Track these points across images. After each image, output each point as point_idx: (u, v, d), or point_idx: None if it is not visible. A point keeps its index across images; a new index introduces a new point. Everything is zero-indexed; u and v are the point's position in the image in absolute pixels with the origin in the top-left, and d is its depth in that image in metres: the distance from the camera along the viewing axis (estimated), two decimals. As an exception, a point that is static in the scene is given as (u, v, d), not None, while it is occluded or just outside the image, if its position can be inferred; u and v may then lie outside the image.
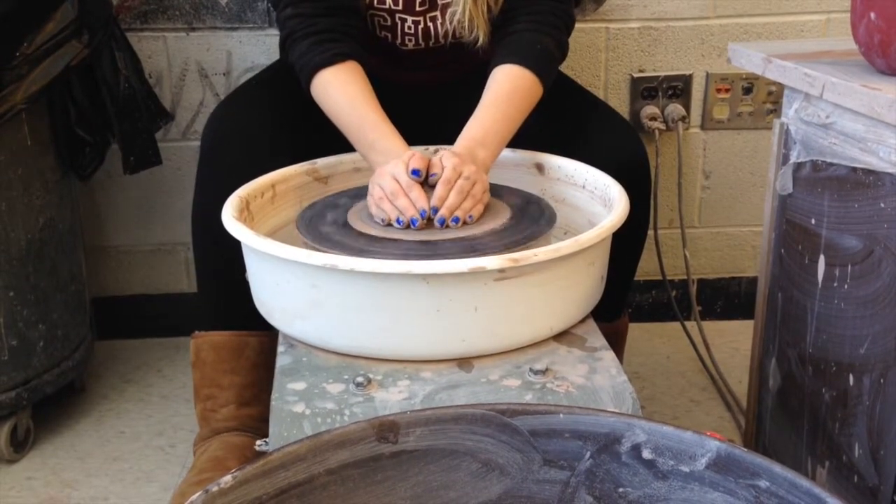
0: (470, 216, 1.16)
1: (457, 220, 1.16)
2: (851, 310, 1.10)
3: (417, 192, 1.16)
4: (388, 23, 1.40)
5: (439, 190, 1.16)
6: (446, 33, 1.41)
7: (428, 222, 1.16)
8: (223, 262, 1.31)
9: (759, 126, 1.91)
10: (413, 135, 1.30)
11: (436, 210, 1.16)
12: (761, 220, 1.31)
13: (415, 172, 1.16)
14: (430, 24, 1.40)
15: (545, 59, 1.32)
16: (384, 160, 1.21)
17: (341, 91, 1.29)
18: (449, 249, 1.10)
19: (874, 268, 1.04)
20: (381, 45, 1.43)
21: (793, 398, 1.25)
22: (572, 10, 1.39)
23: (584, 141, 1.38)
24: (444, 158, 1.18)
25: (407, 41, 1.42)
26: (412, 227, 1.15)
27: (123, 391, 1.77)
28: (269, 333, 1.33)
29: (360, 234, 1.16)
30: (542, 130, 1.39)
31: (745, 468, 0.74)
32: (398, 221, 1.15)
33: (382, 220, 1.17)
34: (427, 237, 1.13)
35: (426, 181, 1.18)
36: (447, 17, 1.38)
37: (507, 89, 1.28)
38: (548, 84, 1.33)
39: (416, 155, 1.18)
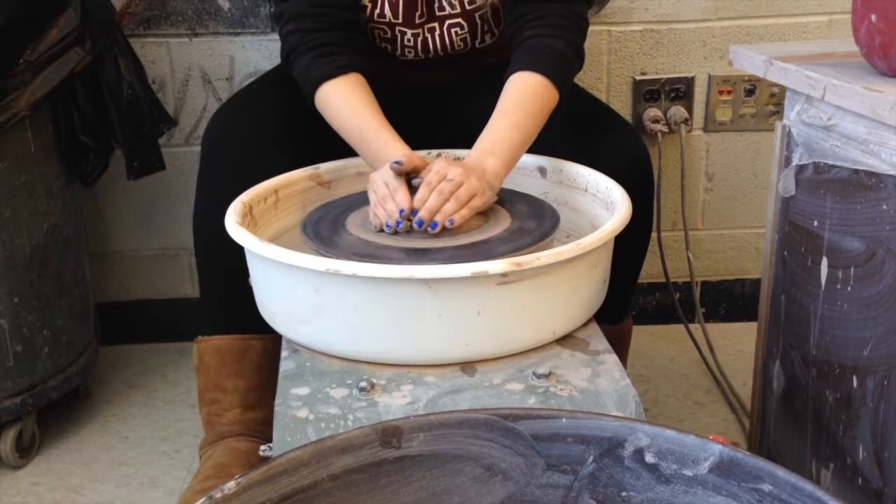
0: (450, 220, 1.13)
1: (434, 225, 1.13)
2: (855, 312, 1.09)
3: (402, 194, 1.15)
4: (388, 35, 1.41)
5: (420, 192, 1.15)
6: (444, 46, 1.41)
7: (410, 225, 1.15)
8: (225, 265, 1.31)
9: (762, 128, 1.90)
10: (416, 136, 1.30)
11: (416, 212, 1.14)
12: (764, 222, 1.31)
13: (396, 162, 1.16)
14: (427, 34, 1.40)
15: (554, 61, 1.29)
16: (383, 162, 1.22)
17: (343, 102, 1.29)
18: (451, 255, 1.10)
19: (877, 270, 1.04)
20: (382, 54, 1.44)
21: (797, 400, 1.25)
22: (583, 11, 1.36)
23: (587, 144, 1.38)
24: (435, 162, 1.18)
25: (406, 52, 1.42)
26: (397, 228, 1.14)
27: (128, 396, 1.78)
28: (272, 336, 1.33)
29: (363, 239, 1.16)
30: (544, 134, 1.39)
31: (748, 472, 0.74)
32: (387, 226, 1.15)
33: (376, 226, 1.17)
34: (429, 244, 1.13)
35: (411, 183, 1.18)
36: (444, 28, 1.38)
37: (516, 97, 1.27)
38: (563, 86, 1.30)
39: (408, 154, 1.19)
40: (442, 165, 1.17)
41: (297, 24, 1.33)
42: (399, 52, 1.42)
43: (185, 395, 1.77)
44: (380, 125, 1.26)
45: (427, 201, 1.14)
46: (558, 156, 1.36)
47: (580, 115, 1.43)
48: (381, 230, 1.16)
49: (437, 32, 1.39)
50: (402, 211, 1.14)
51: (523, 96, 1.27)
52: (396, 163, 1.16)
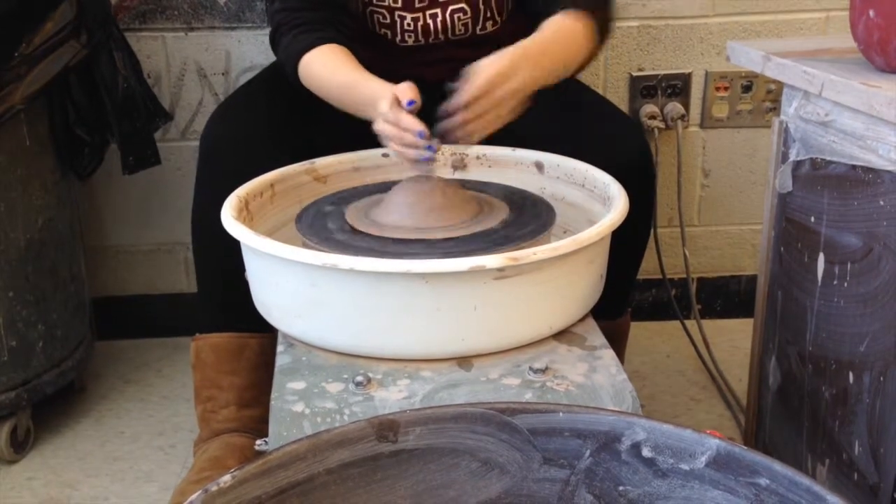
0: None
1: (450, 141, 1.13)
2: (851, 307, 1.09)
3: (407, 119, 1.12)
4: (387, 20, 1.40)
5: (463, 97, 1.11)
6: (445, 29, 1.41)
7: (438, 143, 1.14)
8: (223, 263, 1.31)
9: (759, 124, 1.90)
10: None
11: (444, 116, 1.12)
12: (761, 218, 1.31)
13: (410, 103, 1.12)
14: (429, 21, 1.39)
15: (599, 21, 1.26)
16: (372, 102, 1.18)
17: (322, 65, 1.29)
18: (448, 248, 1.10)
19: (874, 265, 1.04)
20: (380, 42, 1.43)
21: (793, 396, 1.25)
22: None
23: (589, 138, 1.37)
24: (487, 65, 1.13)
25: (406, 37, 1.42)
26: (432, 154, 1.13)
27: (123, 391, 1.77)
28: (269, 335, 1.33)
29: (360, 233, 1.16)
30: (546, 127, 1.39)
31: (745, 466, 0.74)
32: (423, 158, 1.13)
33: (411, 159, 1.15)
34: (426, 236, 1.13)
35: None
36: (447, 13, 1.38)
37: (568, 33, 1.23)
38: (600, 47, 1.28)
39: (403, 86, 1.14)
40: (495, 79, 1.12)
41: (283, 3, 1.33)
42: (399, 37, 1.42)
43: (180, 390, 1.76)
44: (358, 72, 1.24)
45: (463, 114, 1.12)
46: (560, 150, 1.36)
47: (582, 110, 1.43)
48: (416, 161, 1.14)
49: (440, 18, 1.39)
50: (420, 133, 1.11)
51: (571, 36, 1.24)
52: (410, 103, 1.12)
